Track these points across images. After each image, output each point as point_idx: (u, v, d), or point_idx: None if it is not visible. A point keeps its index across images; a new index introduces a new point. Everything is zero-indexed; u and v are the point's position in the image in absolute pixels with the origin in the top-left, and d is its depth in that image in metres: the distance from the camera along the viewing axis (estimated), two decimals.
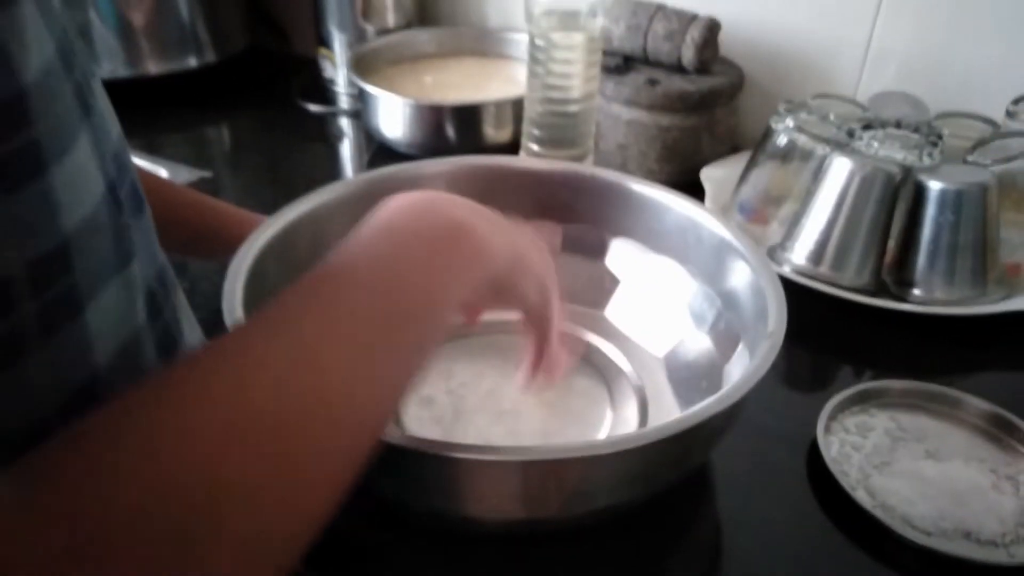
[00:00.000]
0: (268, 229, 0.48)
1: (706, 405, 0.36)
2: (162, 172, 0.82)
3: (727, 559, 0.44)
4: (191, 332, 0.37)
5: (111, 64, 0.94)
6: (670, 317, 0.55)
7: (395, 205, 0.33)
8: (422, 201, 0.33)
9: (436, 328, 0.31)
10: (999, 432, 0.51)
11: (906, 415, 0.52)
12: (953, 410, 0.52)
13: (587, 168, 0.61)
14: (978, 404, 0.52)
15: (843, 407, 0.52)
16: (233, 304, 0.41)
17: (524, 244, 0.37)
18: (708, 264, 0.53)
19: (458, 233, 0.32)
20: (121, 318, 0.29)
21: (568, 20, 0.66)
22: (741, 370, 0.43)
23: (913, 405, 0.53)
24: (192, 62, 0.98)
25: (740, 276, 0.49)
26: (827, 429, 0.50)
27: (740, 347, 0.48)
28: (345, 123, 0.95)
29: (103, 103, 0.30)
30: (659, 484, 0.41)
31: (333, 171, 0.88)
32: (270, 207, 0.51)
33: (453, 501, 0.39)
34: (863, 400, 0.53)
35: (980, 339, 0.61)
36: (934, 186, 0.61)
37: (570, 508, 0.39)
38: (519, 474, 0.36)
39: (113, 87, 0.30)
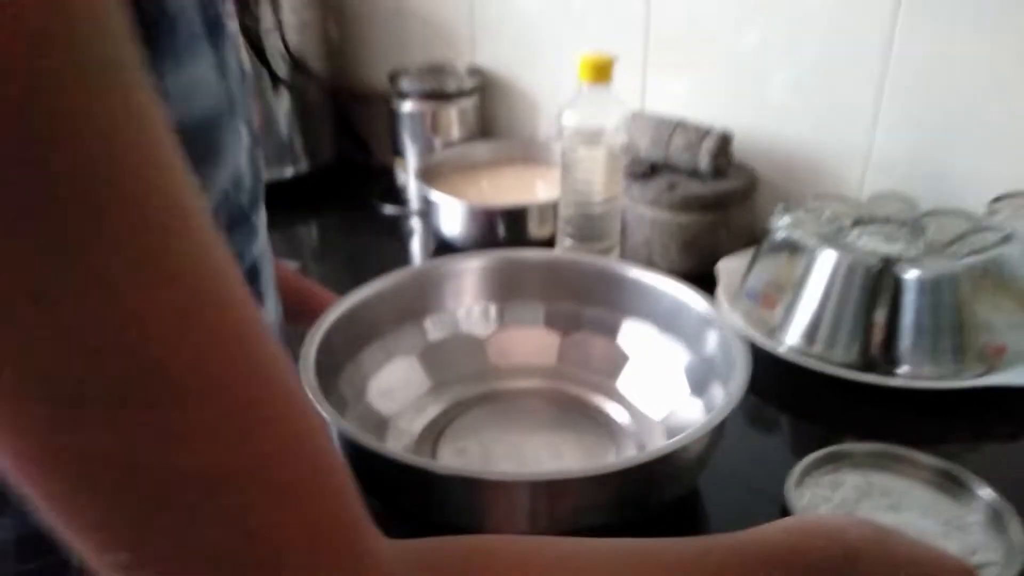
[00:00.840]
0: (337, 309, 0.61)
1: (660, 447, 0.46)
2: None
3: None
4: None
5: None
6: (669, 386, 0.65)
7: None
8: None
9: None
10: (957, 488, 0.57)
11: (876, 474, 0.60)
12: (917, 470, 0.59)
13: (599, 259, 0.73)
14: (939, 464, 0.59)
15: (817, 465, 0.59)
16: (308, 364, 0.54)
17: None
18: (696, 336, 0.63)
19: None
20: None
21: (593, 136, 0.79)
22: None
23: (882, 465, 0.60)
24: (289, 172, 1.16)
25: (717, 344, 0.59)
26: (799, 483, 0.58)
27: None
28: (415, 222, 1.10)
29: None
30: (635, 509, 0.50)
31: (403, 262, 1.02)
32: (349, 291, 0.64)
33: (472, 518, 0.49)
34: (835, 460, 0.60)
35: (954, 411, 0.67)
36: (912, 275, 0.69)
37: (556, 528, 0.49)
38: (526, 493, 0.47)
39: None
